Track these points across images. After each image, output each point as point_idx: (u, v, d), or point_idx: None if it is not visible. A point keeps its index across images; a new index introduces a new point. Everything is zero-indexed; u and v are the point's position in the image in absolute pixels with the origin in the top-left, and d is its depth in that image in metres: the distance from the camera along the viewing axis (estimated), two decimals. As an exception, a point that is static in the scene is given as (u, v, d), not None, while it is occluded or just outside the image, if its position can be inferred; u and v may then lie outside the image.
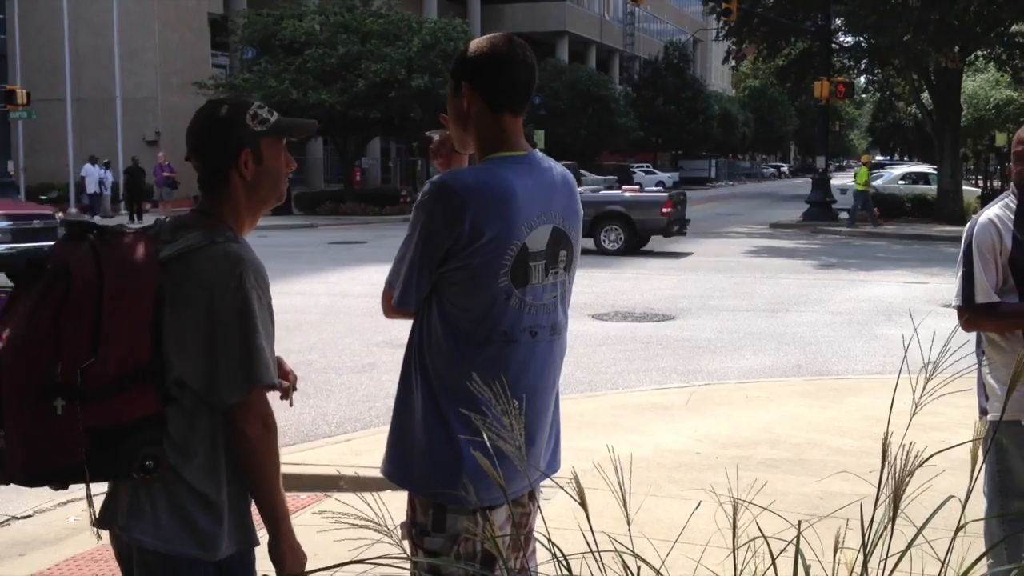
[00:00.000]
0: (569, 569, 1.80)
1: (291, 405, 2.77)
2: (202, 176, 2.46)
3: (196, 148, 2.45)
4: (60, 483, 2.28)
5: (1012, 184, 3.64)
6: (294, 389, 2.70)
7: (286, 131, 2.49)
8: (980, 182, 50.25)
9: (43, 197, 37.23)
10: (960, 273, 3.60)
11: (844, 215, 31.55)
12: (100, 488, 2.39)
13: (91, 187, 32.35)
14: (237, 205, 2.44)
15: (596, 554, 1.82)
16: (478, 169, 2.53)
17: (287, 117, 2.55)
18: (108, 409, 2.21)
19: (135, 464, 2.24)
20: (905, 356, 2.09)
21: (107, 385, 2.21)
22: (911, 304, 13.61)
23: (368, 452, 6.35)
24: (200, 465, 2.33)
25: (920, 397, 1.78)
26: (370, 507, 1.89)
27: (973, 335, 3.67)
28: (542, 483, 2.90)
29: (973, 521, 1.79)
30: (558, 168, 2.65)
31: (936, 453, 1.84)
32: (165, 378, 2.29)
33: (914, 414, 1.76)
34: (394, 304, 2.59)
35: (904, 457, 1.72)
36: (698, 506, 2.65)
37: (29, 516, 5.69)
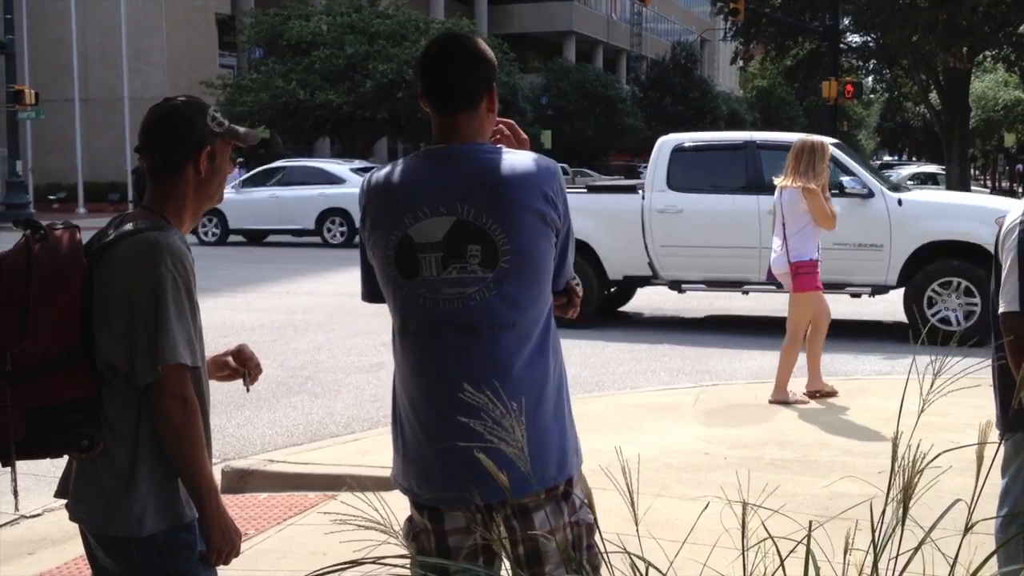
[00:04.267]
0: (578, 570, 1.80)
1: (247, 391, 2.91)
2: (154, 170, 2.59)
3: (158, 140, 2.58)
4: None
5: None
6: (251, 377, 2.83)
7: (237, 136, 2.66)
8: (988, 183, 50.09)
9: (51, 197, 37.37)
10: (1017, 276, 3.36)
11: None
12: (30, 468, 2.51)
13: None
14: (183, 200, 2.58)
15: (604, 555, 1.82)
16: (393, 163, 2.62)
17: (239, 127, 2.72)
18: (39, 390, 2.39)
19: (69, 443, 2.42)
20: (914, 359, 2.08)
21: (36, 368, 2.38)
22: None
23: (376, 452, 6.33)
24: (131, 446, 2.45)
25: (927, 395, 1.77)
26: (376, 509, 1.89)
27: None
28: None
29: (982, 520, 1.78)
30: (490, 161, 2.49)
31: (943, 452, 1.83)
32: (97, 361, 2.43)
33: (922, 411, 1.76)
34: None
35: (912, 458, 1.71)
36: (706, 507, 2.64)
37: (38, 515, 5.69)
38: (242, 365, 2.80)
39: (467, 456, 2.23)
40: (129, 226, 2.48)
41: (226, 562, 2.54)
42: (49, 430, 2.40)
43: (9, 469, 2.48)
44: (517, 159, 2.51)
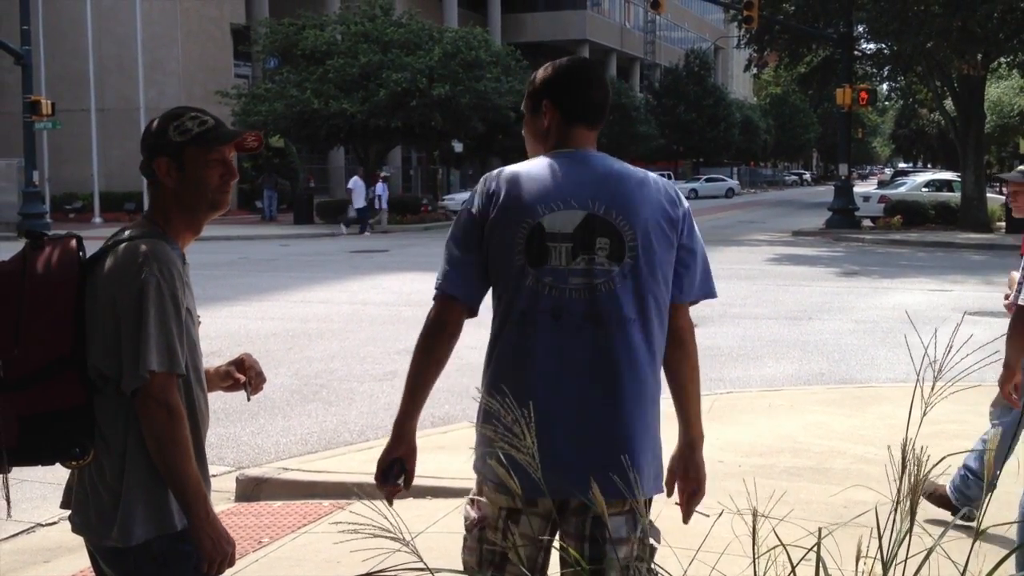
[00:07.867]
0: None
1: (248, 400, 2.88)
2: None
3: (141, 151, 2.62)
4: None
5: None
6: (252, 387, 2.81)
7: (209, 141, 2.54)
8: (1004, 189, 49.81)
9: (68, 207, 37.56)
10: None
11: (867, 222, 31.56)
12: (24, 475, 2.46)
13: (359, 201, 31.79)
14: (166, 211, 2.57)
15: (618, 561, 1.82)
16: (523, 162, 2.71)
17: (228, 128, 2.62)
18: (32, 398, 2.39)
19: (61, 451, 2.42)
20: (923, 364, 2.08)
21: (29, 375, 2.38)
22: (936, 312, 13.53)
23: (389, 460, 6.32)
24: (119, 454, 2.45)
25: (930, 397, 1.77)
26: (386, 517, 1.90)
27: (999, 337, 3.60)
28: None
29: (993, 527, 1.78)
30: (617, 166, 2.69)
31: (946, 456, 1.83)
32: (88, 370, 2.43)
33: (924, 414, 1.76)
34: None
35: (916, 463, 1.71)
36: (720, 515, 2.64)
37: (54, 523, 5.72)
38: (244, 374, 2.79)
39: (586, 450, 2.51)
40: (124, 234, 2.50)
41: (219, 572, 2.49)
42: (41, 438, 2.41)
43: (20, 478, 2.50)
44: (636, 170, 2.72)
